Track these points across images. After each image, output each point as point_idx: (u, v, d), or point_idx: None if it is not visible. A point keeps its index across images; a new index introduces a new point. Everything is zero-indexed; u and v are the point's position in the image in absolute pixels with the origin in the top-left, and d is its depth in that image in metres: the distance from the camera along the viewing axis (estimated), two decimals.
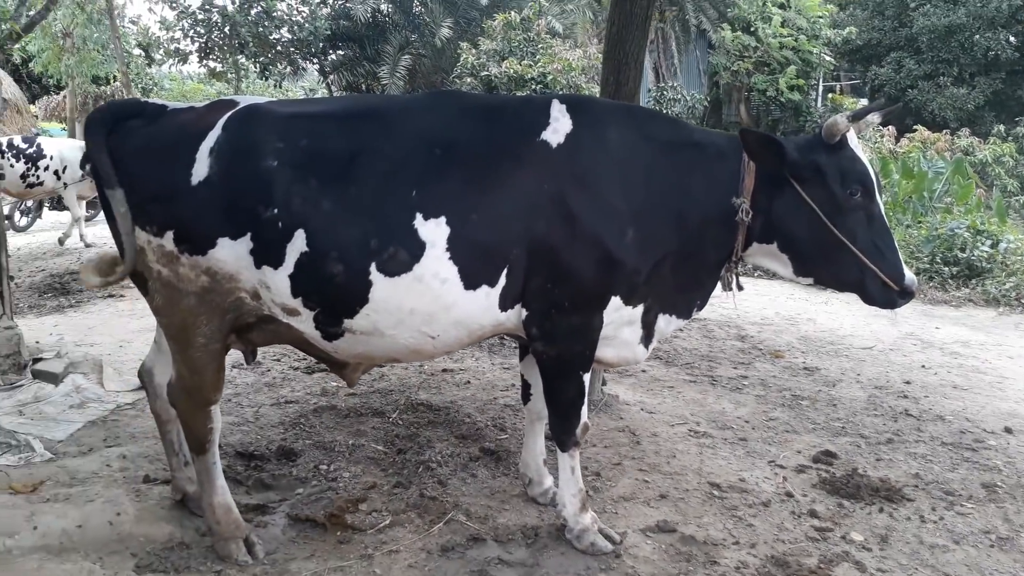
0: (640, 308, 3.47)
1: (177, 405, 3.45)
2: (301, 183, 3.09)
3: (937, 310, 8.72)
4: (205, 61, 23.52)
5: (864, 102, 29.15)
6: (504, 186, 3.21)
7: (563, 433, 3.58)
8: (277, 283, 3.13)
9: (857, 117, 3.23)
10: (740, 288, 3.57)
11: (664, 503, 4.08)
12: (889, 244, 3.28)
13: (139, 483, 4.06)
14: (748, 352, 6.89)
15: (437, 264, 3.12)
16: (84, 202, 11.96)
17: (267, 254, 3.10)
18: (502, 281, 3.22)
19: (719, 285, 3.62)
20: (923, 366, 6.65)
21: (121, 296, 8.86)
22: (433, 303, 3.16)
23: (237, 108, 3.24)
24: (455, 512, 3.88)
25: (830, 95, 26.25)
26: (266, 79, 25.06)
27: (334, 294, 3.13)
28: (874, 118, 3.50)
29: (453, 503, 3.98)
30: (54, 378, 5.30)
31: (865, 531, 3.87)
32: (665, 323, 3.61)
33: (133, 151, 3.18)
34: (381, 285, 3.11)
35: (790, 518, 3.98)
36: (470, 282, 3.18)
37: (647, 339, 3.60)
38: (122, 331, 7.22)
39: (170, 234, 3.13)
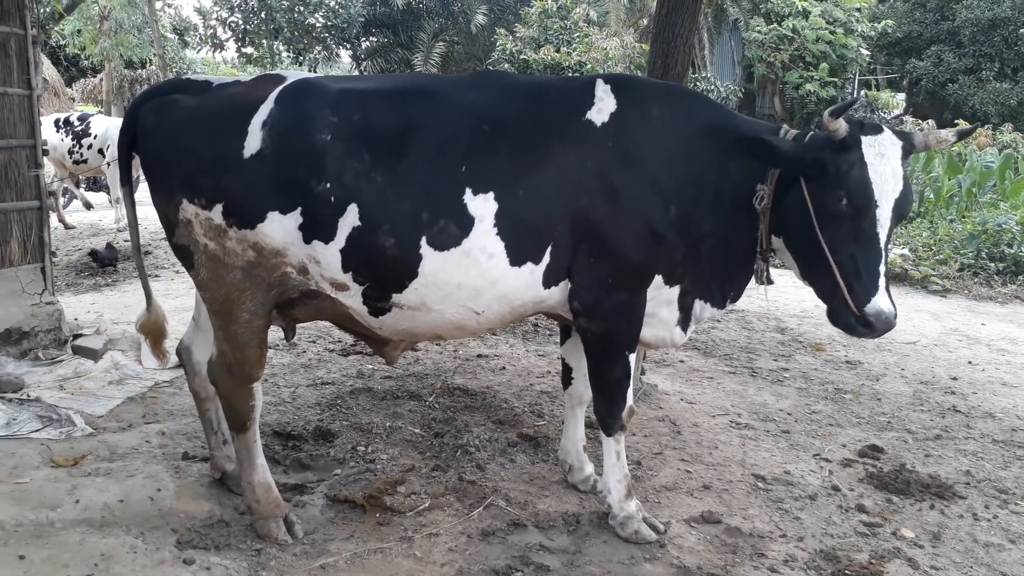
0: (678, 289, 3.44)
1: (218, 382, 3.43)
2: (354, 157, 3.06)
3: (982, 306, 8.48)
4: (240, 47, 23.63)
5: (901, 97, 28.63)
6: (550, 164, 3.20)
7: (608, 416, 3.52)
8: (328, 258, 3.10)
9: (836, 113, 2.97)
10: (770, 282, 3.48)
11: (708, 494, 3.99)
12: (871, 267, 2.97)
13: (178, 460, 4.05)
14: (788, 344, 6.76)
15: (485, 239, 3.11)
16: None
17: (318, 228, 3.07)
18: (546, 258, 3.20)
19: (753, 279, 3.53)
20: (970, 362, 6.48)
21: (156, 276, 8.89)
22: (480, 277, 3.14)
23: (289, 82, 3.20)
24: (494, 497, 3.83)
25: (864, 91, 25.75)
26: (300, 65, 25.14)
27: (385, 268, 3.11)
28: (949, 136, 3.20)
29: (492, 488, 3.92)
30: (94, 354, 5.32)
31: (916, 528, 3.76)
32: (700, 309, 3.57)
33: (181, 124, 3.16)
34: (431, 259, 3.08)
35: (838, 512, 3.88)
36: (516, 258, 3.16)
37: (684, 322, 3.56)
38: None
39: (219, 207, 3.10)
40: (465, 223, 3.10)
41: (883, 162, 2.98)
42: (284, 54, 25.07)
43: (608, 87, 3.36)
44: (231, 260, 3.17)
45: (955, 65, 25.62)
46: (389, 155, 3.10)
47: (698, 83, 22.44)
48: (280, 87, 3.18)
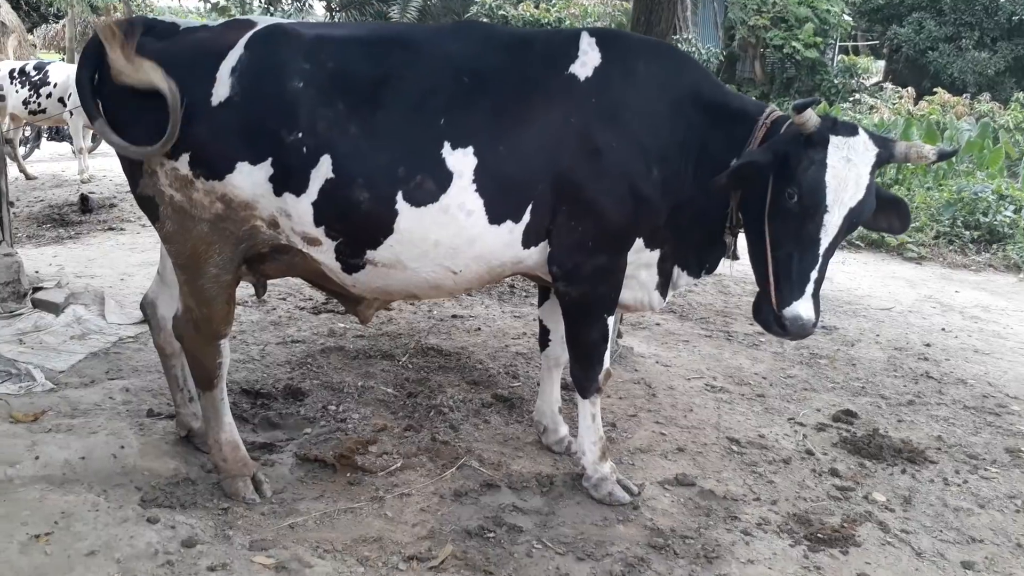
0: (657, 253, 3.38)
1: (184, 338, 3.32)
2: (328, 106, 2.93)
3: (956, 274, 8.54)
4: None
5: (881, 63, 28.57)
6: (531, 119, 3.09)
7: (585, 379, 3.47)
8: (299, 211, 2.99)
9: (800, 108, 2.84)
10: (736, 258, 3.43)
11: (682, 456, 3.98)
12: (803, 270, 2.89)
13: (143, 417, 3.95)
14: None
15: (463, 195, 3.01)
16: (90, 132, 11.70)
17: (289, 180, 2.96)
18: (526, 217, 3.11)
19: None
20: (943, 329, 6.51)
21: (121, 229, 8.68)
22: (457, 236, 3.05)
23: (259, 27, 3.05)
24: (468, 457, 3.78)
25: (840, 56, 25.63)
26: (271, 15, 24.44)
27: (358, 223, 3.00)
28: (930, 154, 2.99)
29: (466, 448, 3.88)
30: (55, 308, 5.16)
31: (888, 492, 3.78)
32: (677, 275, 3.52)
33: None
34: (407, 215, 2.98)
35: (811, 476, 3.88)
36: (495, 216, 3.06)
37: (663, 287, 3.52)
38: (123, 264, 7.05)
39: (185, 157, 2.96)
40: (443, 178, 3.00)
41: (846, 167, 2.84)
42: (255, 3, 24.34)
43: (593, 40, 3.24)
44: (198, 212, 3.04)
45: (936, 33, 25.54)
46: (365, 105, 2.98)
47: (680, 44, 22.18)
48: (250, 32, 3.03)
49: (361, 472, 3.60)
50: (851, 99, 20.52)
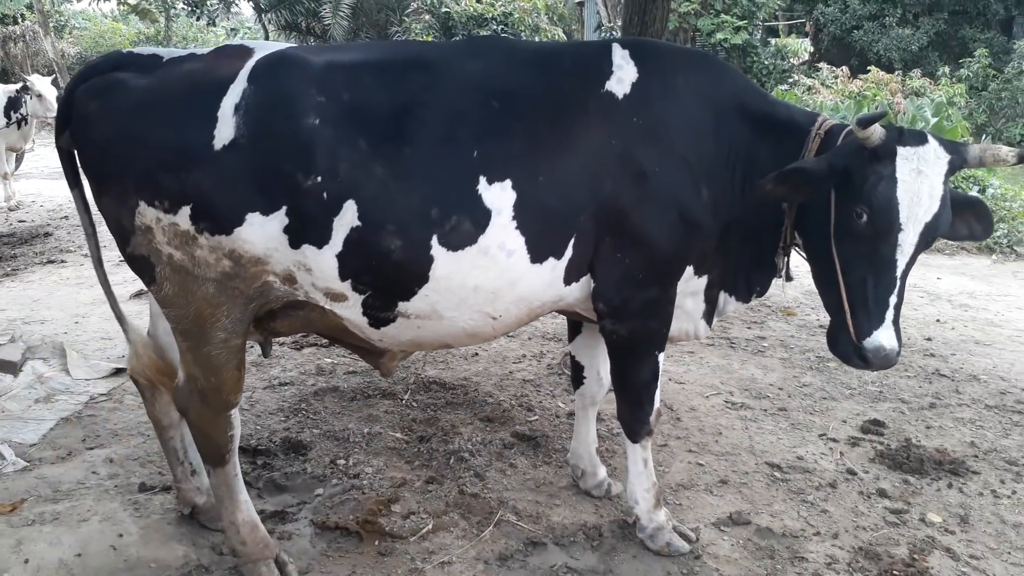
0: (705, 279, 3.14)
1: (189, 411, 2.92)
2: (349, 144, 2.57)
3: (933, 259, 8.58)
4: None
5: (807, 42, 29.05)
6: (569, 143, 2.79)
7: (635, 422, 3.21)
8: (321, 264, 2.63)
9: (864, 122, 2.59)
10: (790, 279, 3.24)
11: (727, 490, 3.75)
12: (880, 296, 2.65)
13: (135, 492, 3.54)
14: (757, 310, 6.60)
15: (504, 234, 2.70)
16: (13, 155, 10.85)
17: (308, 231, 2.59)
18: (568, 252, 2.82)
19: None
20: (938, 320, 6.48)
21: (63, 262, 8.02)
22: (498, 278, 2.75)
23: (261, 55, 2.66)
24: (503, 511, 3.49)
25: (772, 39, 25.94)
26: (197, 17, 23.36)
27: (390, 274, 2.67)
28: (1008, 156, 2.69)
29: (498, 500, 3.58)
30: (12, 367, 4.61)
31: (941, 511, 3.64)
32: (724, 301, 3.29)
33: (132, 110, 2.58)
34: (443, 260, 2.66)
35: (861, 500, 3.71)
36: (537, 254, 2.77)
37: (709, 315, 3.28)
38: (73, 304, 6.47)
39: (186, 210, 2.56)
40: (481, 217, 2.68)
41: (918, 180, 2.60)
42: (178, 4, 23.19)
43: (627, 52, 2.96)
44: (202, 272, 2.65)
45: (860, 11, 26.04)
46: (389, 141, 2.63)
47: (614, 32, 22.08)
48: (251, 62, 2.64)
49: (390, 539, 3.27)
50: (789, 81, 20.74)
